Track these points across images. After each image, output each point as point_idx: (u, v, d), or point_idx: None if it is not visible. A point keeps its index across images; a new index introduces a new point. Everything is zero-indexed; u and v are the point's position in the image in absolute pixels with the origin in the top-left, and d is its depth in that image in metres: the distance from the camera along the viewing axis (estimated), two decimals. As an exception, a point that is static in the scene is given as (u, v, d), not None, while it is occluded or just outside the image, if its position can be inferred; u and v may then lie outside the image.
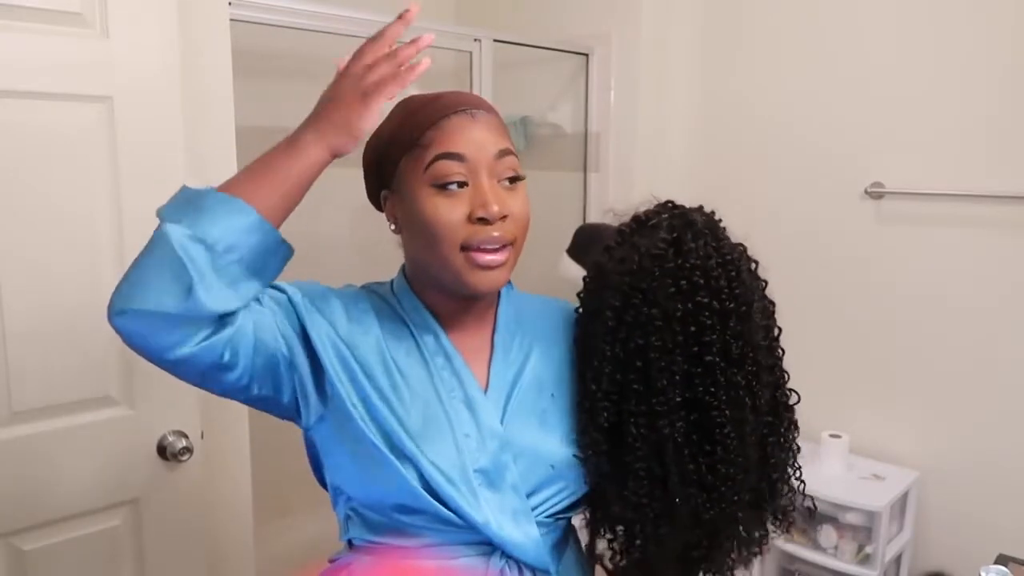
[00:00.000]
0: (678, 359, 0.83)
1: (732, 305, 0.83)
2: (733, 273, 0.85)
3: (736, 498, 0.85)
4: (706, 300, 0.82)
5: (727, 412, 0.83)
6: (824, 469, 2.05)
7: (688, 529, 0.86)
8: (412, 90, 0.88)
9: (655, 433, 0.84)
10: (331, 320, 0.87)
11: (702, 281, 0.83)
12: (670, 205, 0.91)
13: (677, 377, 0.83)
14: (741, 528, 0.90)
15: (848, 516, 1.92)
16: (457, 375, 0.89)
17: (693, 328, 0.83)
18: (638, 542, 0.88)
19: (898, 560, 2.05)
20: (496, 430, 0.88)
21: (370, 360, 0.87)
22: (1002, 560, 1.38)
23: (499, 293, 0.96)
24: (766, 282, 0.91)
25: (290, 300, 0.86)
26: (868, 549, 1.91)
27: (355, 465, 0.87)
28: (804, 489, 0.95)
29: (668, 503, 0.85)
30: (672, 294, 0.83)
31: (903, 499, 2.03)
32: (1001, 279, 1.93)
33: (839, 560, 1.93)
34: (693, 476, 0.84)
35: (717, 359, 0.83)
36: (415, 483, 0.83)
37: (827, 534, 1.95)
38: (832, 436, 2.08)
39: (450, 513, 0.84)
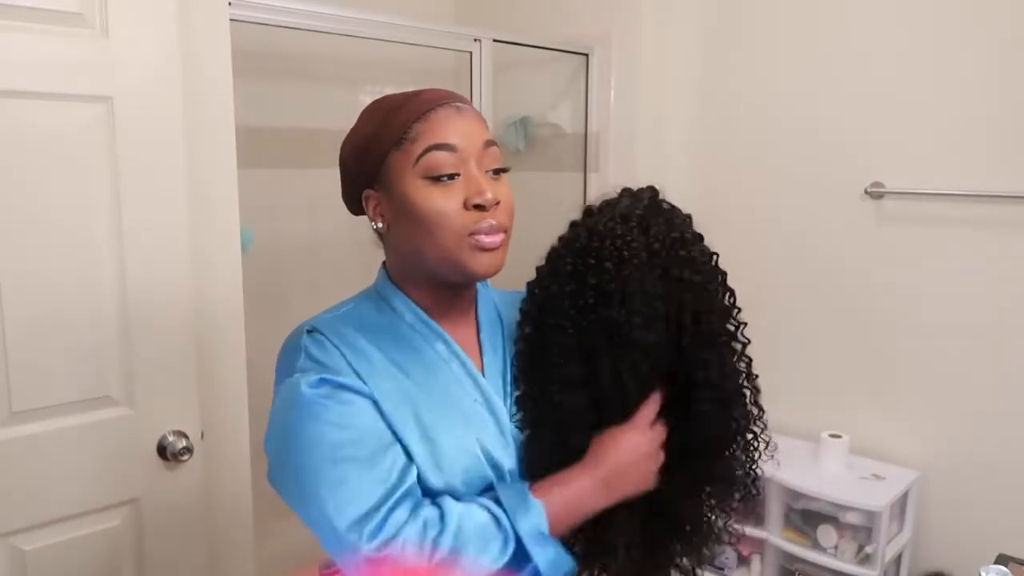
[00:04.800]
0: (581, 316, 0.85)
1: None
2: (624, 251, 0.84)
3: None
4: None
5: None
6: (824, 469, 2.05)
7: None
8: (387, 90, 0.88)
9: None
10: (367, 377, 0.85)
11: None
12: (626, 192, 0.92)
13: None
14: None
15: (848, 516, 1.92)
16: (473, 378, 0.90)
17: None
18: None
19: (898, 560, 2.05)
20: (513, 430, 0.90)
21: (400, 394, 0.86)
22: (1002, 560, 1.38)
23: (476, 289, 0.97)
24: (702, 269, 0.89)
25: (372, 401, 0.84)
26: (868, 549, 1.91)
27: None
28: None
29: None
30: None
31: (903, 499, 2.03)
32: (1001, 279, 1.93)
33: (839, 560, 1.93)
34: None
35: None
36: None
37: (827, 534, 1.95)
38: (832, 436, 2.08)
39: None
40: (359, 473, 0.78)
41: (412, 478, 0.81)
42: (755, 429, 0.91)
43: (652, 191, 0.91)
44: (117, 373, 1.35)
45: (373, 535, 0.75)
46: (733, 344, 0.89)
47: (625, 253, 0.83)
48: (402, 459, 0.81)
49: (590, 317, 0.84)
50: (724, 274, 0.89)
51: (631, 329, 0.82)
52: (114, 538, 1.39)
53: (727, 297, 0.89)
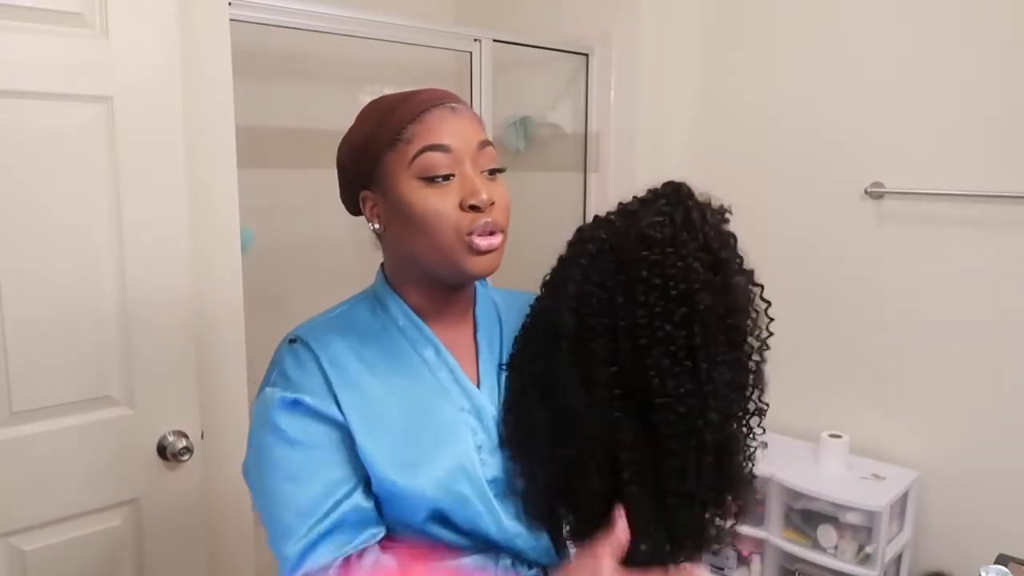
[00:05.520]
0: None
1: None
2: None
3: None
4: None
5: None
6: (824, 469, 2.06)
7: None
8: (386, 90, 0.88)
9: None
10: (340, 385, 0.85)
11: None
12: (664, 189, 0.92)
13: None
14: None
15: (848, 516, 1.92)
16: (461, 386, 0.89)
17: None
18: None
19: (898, 560, 2.05)
20: (504, 434, 0.89)
21: (373, 401, 0.85)
22: (1002, 560, 1.38)
23: (475, 288, 0.97)
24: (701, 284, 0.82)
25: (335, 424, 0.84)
26: (868, 549, 1.91)
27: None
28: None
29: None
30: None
31: (903, 499, 2.03)
32: (1001, 279, 1.93)
33: (839, 560, 1.93)
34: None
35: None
36: (426, 514, 0.83)
37: (827, 534, 1.95)
38: (832, 436, 2.08)
39: (462, 535, 0.85)
40: (297, 495, 0.81)
41: (349, 510, 0.81)
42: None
43: (672, 186, 0.91)
44: (117, 373, 1.35)
45: (295, 562, 0.79)
46: (697, 360, 0.77)
47: (590, 247, 0.83)
48: (342, 492, 0.82)
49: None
50: (696, 290, 0.79)
51: (561, 313, 0.81)
52: (114, 538, 1.39)
53: (696, 315, 0.78)
